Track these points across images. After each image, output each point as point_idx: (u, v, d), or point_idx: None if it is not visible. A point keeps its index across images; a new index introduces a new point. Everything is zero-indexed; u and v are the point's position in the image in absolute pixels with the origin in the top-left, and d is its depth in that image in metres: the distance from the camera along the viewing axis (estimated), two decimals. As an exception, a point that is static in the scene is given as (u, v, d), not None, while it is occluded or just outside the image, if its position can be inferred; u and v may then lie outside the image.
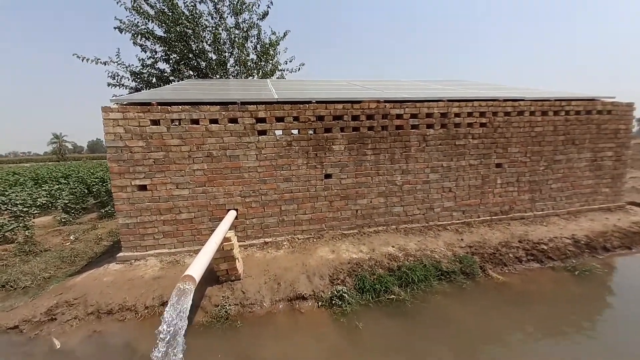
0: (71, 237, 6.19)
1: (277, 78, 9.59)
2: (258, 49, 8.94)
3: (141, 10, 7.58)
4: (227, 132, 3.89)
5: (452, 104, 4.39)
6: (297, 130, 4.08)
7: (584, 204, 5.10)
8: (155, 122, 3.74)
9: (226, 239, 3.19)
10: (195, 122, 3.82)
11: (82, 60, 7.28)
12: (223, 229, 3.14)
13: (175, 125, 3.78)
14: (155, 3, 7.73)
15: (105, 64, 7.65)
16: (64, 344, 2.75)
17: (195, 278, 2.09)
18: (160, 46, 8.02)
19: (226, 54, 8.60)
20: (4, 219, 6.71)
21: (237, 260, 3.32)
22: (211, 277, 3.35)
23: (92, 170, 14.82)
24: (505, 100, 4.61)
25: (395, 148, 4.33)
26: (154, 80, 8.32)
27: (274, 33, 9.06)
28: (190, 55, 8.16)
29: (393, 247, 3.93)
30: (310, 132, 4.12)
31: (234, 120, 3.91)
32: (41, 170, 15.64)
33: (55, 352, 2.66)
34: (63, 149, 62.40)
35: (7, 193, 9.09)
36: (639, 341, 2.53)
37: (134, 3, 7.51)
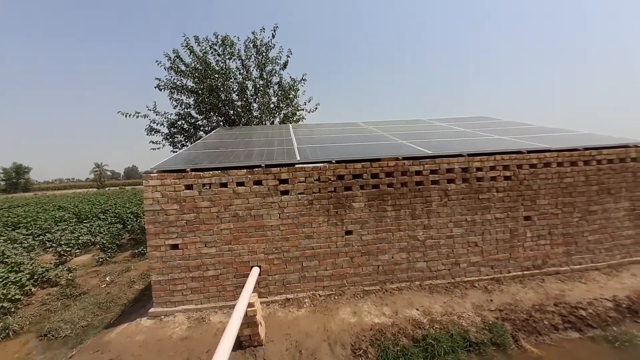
0: (107, 279, 6.60)
1: (297, 119, 10.10)
2: (279, 94, 9.55)
3: (178, 70, 8.50)
4: (252, 193, 4.13)
5: (472, 158, 4.37)
6: (318, 189, 4.23)
7: (625, 256, 4.70)
8: (189, 187, 4.06)
9: (250, 305, 3.28)
10: (224, 185, 4.10)
11: (126, 116, 8.18)
12: (247, 294, 3.25)
13: (206, 189, 4.08)
14: (190, 63, 8.66)
15: (145, 117, 8.53)
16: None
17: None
18: (194, 99, 8.84)
19: (250, 100, 9.26)
20: (50, 260, 7.33)
21: (259, 325, 3.39)
22: (234, 340, 3.43)
23: (127, 204, 15.89)
24: (529, 152, 4.52)
25: (415, 204, 4.33)
26: (187, 126, 9.08)
27: (292, 79, 9.69)
28: (220, 105, 8.86)
29: (417, 309, 3.82)
30: (331, 190, 4.25)
31: (258, 182, 4.15)
32: (83, 204, 17.01)
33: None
34: (103, 176, 67.69)
35: (53, 230, 9.98)
36: None
37: (172, 63, 8.45)
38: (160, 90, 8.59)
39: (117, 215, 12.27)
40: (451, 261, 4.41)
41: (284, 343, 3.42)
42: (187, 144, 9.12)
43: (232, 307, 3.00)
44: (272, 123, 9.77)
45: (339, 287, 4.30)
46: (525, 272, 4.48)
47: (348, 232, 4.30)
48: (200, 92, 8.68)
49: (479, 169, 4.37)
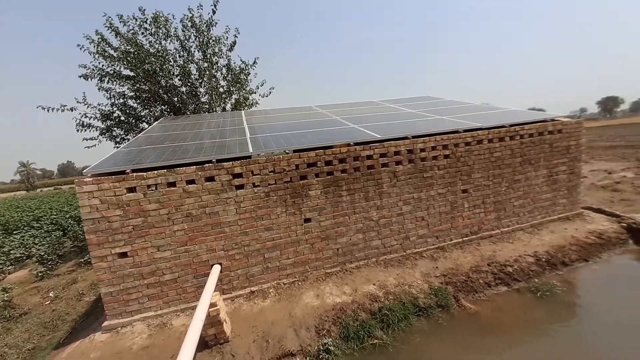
0: (50, 295, 6.01)
1: (250, 104, 9.69)
2: (229, 78, 8.99)
3: (106, 54, 7.47)
4: (205, 190, 3.98)
5: (416, 140, 4.67)
6: (274, 180, 4.22)
7: (544, 216, 5.55)
8: (132, 190, 3.77)
9: (212, 305, 3.28)
10: (172, 184, 3.88)
11: (47, 110, 7.08)
12: (207, 296, 3.24)
13: (152, 190, 3.82)
14: (119, 46, 7.64)
15: (72, 110, 7.46)
16: None
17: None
18: (129, 87, 7.90)
19: (196, 85, 8.59)
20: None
21: (224, 323, 3.42)
22: (200, 340, 3.42)
23: (65, 207, 14.23)
24: (465, 131, 4.96)
25: (368, 187, 4.56)
26: (125, 117, 8.18)
27: (243, 62, 9.14)
28: (161, 92, 8.08)
29: (374, 284, 4.15)
30: (287, 180, 4.26)
31: (210, 179, 4.00)
32: (10, 212, 14.82)
33: None
34: (32, 176, 59.04)
35: (-24, 247, 8.63)
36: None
37: (97, 47, 7.39)
38: (86, 79, 7.51)
39: (55, 222, 10.95)
40: (402, 236, 4.80)
41: (251, 335, 3.51)
42: (129, 137, 8.27)
43: (195, 307, 2.97)
44: (223, 110, 9.23)
45: (302, 273, 4.46)
46: (464, 239, 5.07)
47: (307, 220, 4.41)
48: (136, 78, 7.77)
49: (422, 150, 4.71)
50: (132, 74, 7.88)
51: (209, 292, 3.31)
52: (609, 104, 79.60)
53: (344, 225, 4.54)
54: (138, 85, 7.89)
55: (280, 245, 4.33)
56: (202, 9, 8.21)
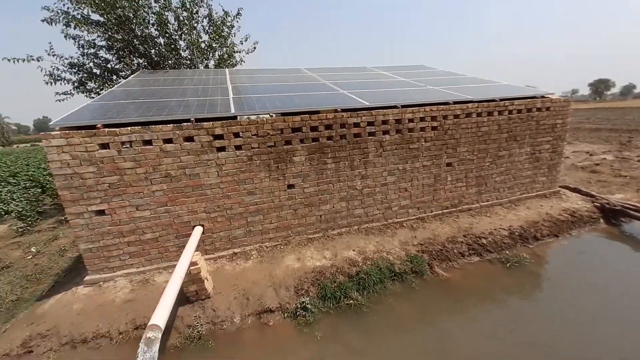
0: (32, 250, 5.96)
1: (234, 62, 9.11)
2: (210, 31, 8.29)
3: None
4: (184, 151, 3.83)
5: (405, 110, 4.56)
6: (257, 144, 4.09)
7: (523, 193, 5.73)
8: (105, 146, 3.59)
9: (193, 263, 3.33)
10: (149, 142, 3.71)
11: (14, 62, 6.43)
12: (188, 254, 3.28)
13: (127, 147, 3.65)
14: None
15: (38, 60, 6.80)
16: (43, 379, 2.88)
17: (161, 326, 2.27)
18: (99, 35, 7.17)
19: (176, 37, 7.92)
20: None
21: (205, 280, 3.50)
22: (182, 296, 3.53)
23: (43, 164, 13.67)
24: (455, 103, 4.86)
25: (354, 155, 4.51)
26: (98, 71, 7.57)
27: (226, 13, 8.39)
28: (136, 42, 7.41)
29: (354, 250, 4.28)
30: (271, 144, 4.15)
31: (190, 139, 3.83)
32: (-17, 166, 14.12)
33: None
34: (6, 131, 55.77)
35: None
36: (536, 332, 3.14)
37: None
38: (50, 24, 6.73)
39: (32, 178, 10.55)
40: (385, 206, 4.89)
41: (232, 293, 3.63)
42: (104, 91, 7.74)
43: (174, 270, 3.00)
44: (206, 67, 8.66)
45: (284, 237, 4.54)
46: (444, 211, 5.22)
47: (290, 186, 4.38)
48: (107, 25, 7.01)
49: (410, 120, 4.62)
50: (102, 19, 7.10)
51: (189, 252, 3.34)
52: (599, 87, 79.69)
53: (328, 192, 4.55)
54: (109, 34, 7.17)
55: (264, 210, 4.34)
56: None
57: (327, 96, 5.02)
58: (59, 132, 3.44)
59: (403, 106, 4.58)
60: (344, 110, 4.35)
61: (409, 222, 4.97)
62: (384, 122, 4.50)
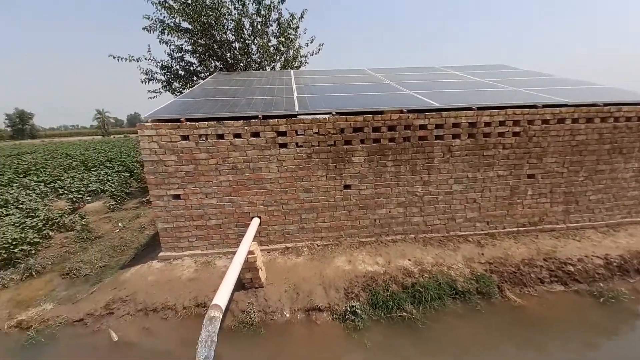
0: (119, 225, 6.96)
1: (299, 64, 9.43)
2: (279, 35, 8.74)
3: (167, 5, 7.67)
4: (249, 145, 4.05)
5: (482, 112, 4.11)
6: (317, 142, 4.12)
7: (625, 216, 4.71)
8: (185, 138, 3.98)
9: (250, 252, 3.48)
10: (221, 136, 4.01)
11: (118, 60, 7.69)
12: (247, 242, 3.43)
13: (203, 140, 4.00)
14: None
15: (138, 61, 8.01)
16: (120, 337, 3.29)
17: (222, 306, 2.39)
18: (186, 40, 8.15)
19: (248, 42, 8.53)
20: (63, 207, 7.69)
21: (260, 270, 3.63)
22: (238, 282, 3.70)
23: (132, 152, 16.03)
24: (545, 106, 4.22)
25: (417, 159, 4.23)
26: (183, 73, 8.58)
27: (291, 15, 8.75)
28: (215, 46, 8.21)
29: (409, 260, 4.01)
30: (330, 143, 4.13)
31: (256, 134, 4.04)
32: (89, 152, 17.22)
33: (113, 345, 3.20)
34: (106, 123, 67.26)
35: (63, 178, 10.27)
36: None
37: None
38: (149, 31, 7.90)
39: (124, 163, 12.45)
40: (447, 216, 4.48)
41: (283, 286, 3.70)
42: (186, 91, 8.74)
43: (235, 252, 3.18)
44: (273, 69, 9.15)
45: (336, 238, 4.48)
46: (520, 229, 4.57)
47: (347, 187, 4.31)
48: (193, 31, 7.95)
49: (487, 124, 4.15)
50: (190, 27, 8.04)
51: (248, 240, 3.50)
52: None
53: (385, 196, 4.35)
54: (195, 39, 8.08)
55: (318, 208, 4.34)
56: None
57: (392, 97, 4.83)
58: (150, 124, 3.92)
59: (479, 108, 4.14)
60: (409, 111, 4.11)
61: (476, 237, 4.47)
62: (455, 125, 4.13)
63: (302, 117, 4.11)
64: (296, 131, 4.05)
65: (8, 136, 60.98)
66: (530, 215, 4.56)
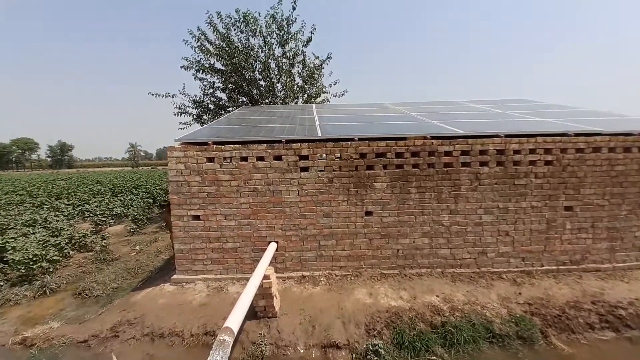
0: (137, 248, 6.98)
1: (321, 101, 9.87)
2: (304, 74, 9.32)
3: (203, 48, 8.54)
4: (271, 168, 4.08)
5: (510, 140, 3.99)
6: (339, 167, 4.09)
7: (682, 257, 4.17)
8: (211, 160, 4.09)
9: (265, 277, 3.30)
10: (244, 159, 4.08)
11: (156, 97, 8.46)
12: (263, 266, 3.27)
13: (227, 162, 4.09)
14: (214, 40, 8.64)
15: (173, 97, 8.76)
16: (123, 363, 3.07)
17: (234, 330, 2.19)
18: (218, 78, 8.88)
19: (274, 80, 9.14)
20: (87, 228, 7.90)
21: (274, 298, 3.40)
22: (250, 310, 3.47)
23: (157, 181, 16.74)
24: (577, 135, 4.05)
25: (442, 187, 4.07)
26: (213, 107, 9.21)
27: (317, 57, 9.38)
28: (243, 84, 8.85)
29: (437, 296, 3.65)
30: (352, 168, 4.09)
31: (278, 158, 4.08)
32: (118, 179, 18.16)
33: (115, 371, 2.98)
34: (137, 156, 71.87)
35: (90, 202, 10.73)
36: None
37: (197, 43, 8.52)
38: (186, 70, 8.73)
39: (148, 190, 12.95)
40: (478, 250, 4.14)
41: (298, 317, 3.42)
42: (213, 123, 9.30)
43: (250, 279, 3.01)
44: (296, 103, 9.63)
45: (355, 268, 4.21)
46: (560, 267, 4.12)
47: (368, 213, 4.15)
48: (225, 71, 8.68)
49: (516, 152, 3.99)
50: (223, 68, 8.81)
51: (264, 265, 3.34)
52: None
53: (409, 225, 4.14)
54: (225, 77, 8.78)
55: (337, 235, 4.17)
56: (281, 4, 8.62)
57: (415, 125, 4.84)
58: (180, 146, 4.09)
59: (507, 135, 4.03)
60: (434, 138, 4.07)
61: (510, 275, 4.05)
62: (482, 152, 4.00)
63: (324, 142, 4.16)
64: (318, 155, 4.07)
65: (47, 165, 66.15)
66: (572, 253, 4.13)
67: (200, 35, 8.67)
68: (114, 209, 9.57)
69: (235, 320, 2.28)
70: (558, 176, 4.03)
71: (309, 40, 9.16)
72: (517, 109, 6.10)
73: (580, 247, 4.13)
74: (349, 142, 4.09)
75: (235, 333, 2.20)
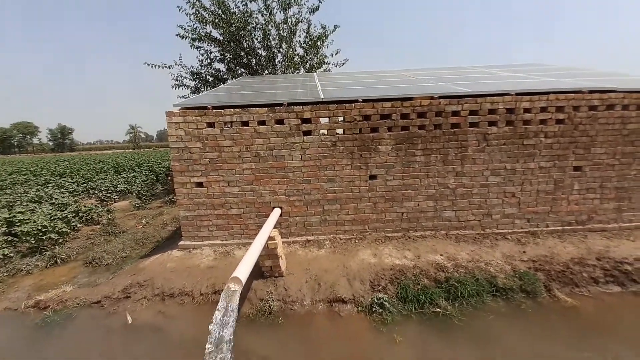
0: (143, 222, 7.07)
1: (322, 71, 9.54)
2: (306, 45, 8.93)
3: (199, 16, 8.14)
4: (273, 133, 3.99)
5: (521, 98, 3.84)
6: (342, 130, 4.00)
7: (690, 217, 4.14)
8: (211, 125, 4.00)
9: (270, 238, 3.33)
10: (245, 124, 3.99)
11: (152, 67, 8.17)
12: (268, 228, 3.29)
13: (228, 127, 4.00)
14: (210, 6, 8.21)
15: (169, 68, 8.46)
16: (135, 320, 3.18)
17: (242, 280, 2.22)
18: (215, 47, 8.52)
19: (274, 50, 8.78)
20: (92, 204, 7.97)
21: (280, 258, 3.45)
22: (257, 270, 3.54)
23: (159, 160, 16.72)
24: (591, 92, 3.88)
25: (449, 148, 3.98)
26: (211, 79, 8.93)
27: (323, 27, 8.95)
28: (242, 54, 8.52)
29: (441, 255, 3.68)
30: (356, 131, 4.00)
31: (280, 122, 3.99)
32: (120, 159, 18.16)
33: (128, 327, 3.10)
34: (137, 138, 71.54)
35: (94, 179, 10.78)
36: None
37: (192, 9, 8.10)
38: (182, 38, 8.37)
39: (151, 168, 12.96)
40: (483, 212, 4.13)
41: (304, 276, 3.48)
42: (212, 95, 9.07)
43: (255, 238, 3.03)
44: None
45: (360, 231, 4.24)
46: (565, 227, 4.11)
47: (372, 177, 4.11)
48: (222, 40, 8.32)
49: (527, 110, 3.86)
50: (220, 37, 8.43)
51: (269, 227, 3.36)
52: None
53: (414, 188, 4.10)
54: (223, 47, 8.42)
55: (341, 199, 4.15)
56: None
57: (421, 87, 4.66)
58: (178, 111, 3.99)
59: (517, 94, 3.87)
60: (441, 98, 3.92)
61: (515, 236, 4.06)
62: (491, 112, 3.87)
63: (327, 105, 4.03)
64: (320, 118, 3.96)
65: (49, 149, 66.25)
66: (578, 213, 4.11)
67: (195, 1, 8.23)
68: (118, 186, 9.62)
69: (243, 271, 2.31)
70: (569, 135, 3.92)
71: (316, 8, 8.68)
72: (529, 71, 5.85)
73: (587, 208, 4.10)
74: (353, 104, 3.96)
75: (243, 282, 2.23)
